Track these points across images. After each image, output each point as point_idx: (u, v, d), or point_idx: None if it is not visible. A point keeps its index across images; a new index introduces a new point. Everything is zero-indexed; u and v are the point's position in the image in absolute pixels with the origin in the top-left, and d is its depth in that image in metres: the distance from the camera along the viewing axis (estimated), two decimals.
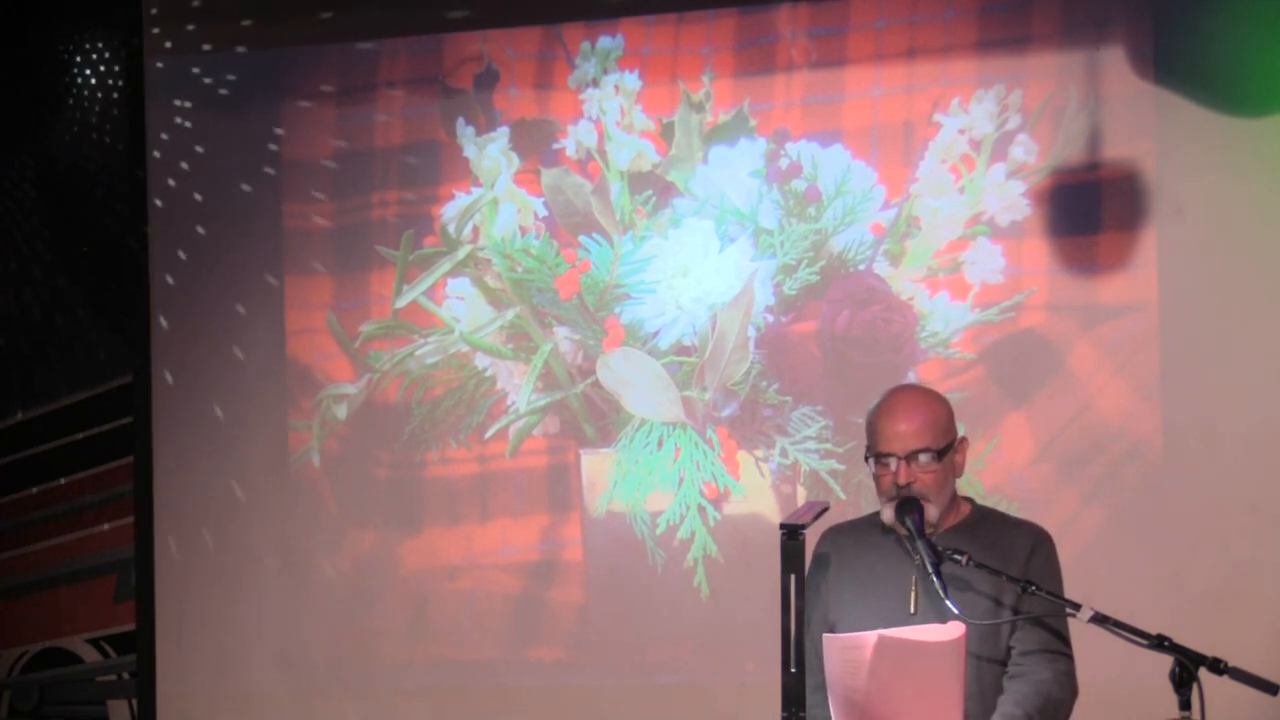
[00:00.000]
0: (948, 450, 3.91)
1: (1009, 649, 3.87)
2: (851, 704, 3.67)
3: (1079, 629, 3.80)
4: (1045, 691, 3.82)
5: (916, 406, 3.93)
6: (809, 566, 3.94)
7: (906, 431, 3.88)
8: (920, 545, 3.80)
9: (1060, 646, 3.88)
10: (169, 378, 6.45)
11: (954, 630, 3.65)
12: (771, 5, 5.90)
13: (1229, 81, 5.47)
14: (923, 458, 3.87)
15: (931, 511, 3.88)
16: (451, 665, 6.16)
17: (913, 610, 3.84)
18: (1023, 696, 3.81)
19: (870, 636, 3.62)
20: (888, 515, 3.90)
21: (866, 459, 3.95)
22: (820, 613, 3.96)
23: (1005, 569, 3.81)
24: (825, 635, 3.74)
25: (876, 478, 3.93)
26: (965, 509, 3.98)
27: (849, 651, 3.66)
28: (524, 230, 6.10)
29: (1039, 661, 3.85)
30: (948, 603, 3.71)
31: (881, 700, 3.63)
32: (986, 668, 3.84)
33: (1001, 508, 5.11)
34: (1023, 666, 3.85)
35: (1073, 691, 3.88)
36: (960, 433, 3.98)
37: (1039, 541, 3.95)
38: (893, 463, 3.88)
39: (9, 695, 6.71)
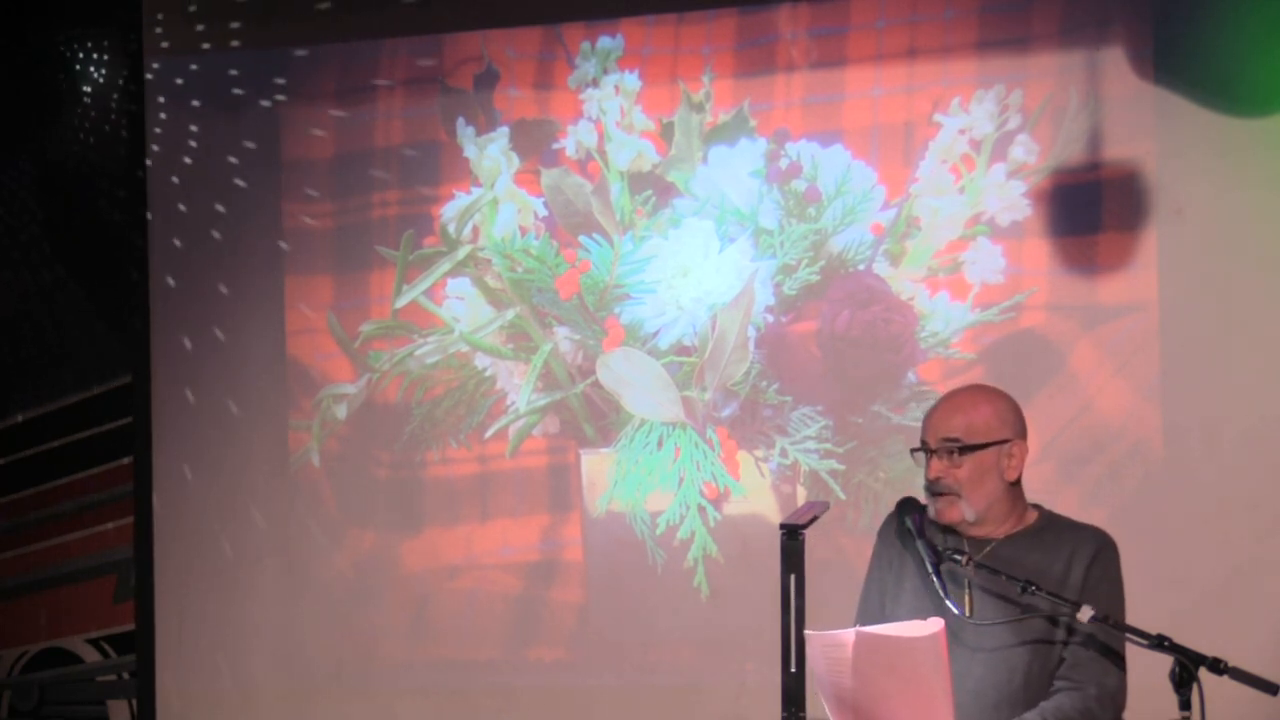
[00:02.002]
0: (981, 448, 3.85)
1: (1060, 660, 3.82)
2: (842, 702, 3.67)
3: None
4: (1082, 707, 3.77)
5: (958, 401, 3.92)
6: (883, 525, 4.00)
7: (935, 422, 3.89)
8: (920, 545, 3.81)
9: (1110, 662, 3.81)
10: (169, 377, 6.45)
11: (933, 625, 3.64)
12: (771, 5, 5.90)
13: (1229, 81, 5.47)
14: (948, 449, 3.85)
15: (965, 510, 3.85)
16: (451, 665, 6.16)
17: (968, 613, 3.80)
18: (1054, 705, 3.77)
19: (849, 634, 3.62)
20: (933, 510, 3.90)
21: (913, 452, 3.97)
22: (878, 585, 3.97)
23: (1067, 576, 3.79)
24: (806, 633, 3.70)
25: None
26: (1031, 516, 3.94)
27: (831, 650, 3.65)
28: (524, 230, 6.10)
29: (1086, 676, 3.79)
30: (948, 603, 3.71)
31: (869, 696, 3.62)
32: (1036, 662, 3.82)
33: None
34: (1068, 680, 3.80)
35: (1114, 710, 3.81)
36: (1018, 436, 3.91)
37: (1101, 548, 3.88)
38: (922, 456, 3.90)
39: (9, 695, 6.71)
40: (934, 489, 3.88)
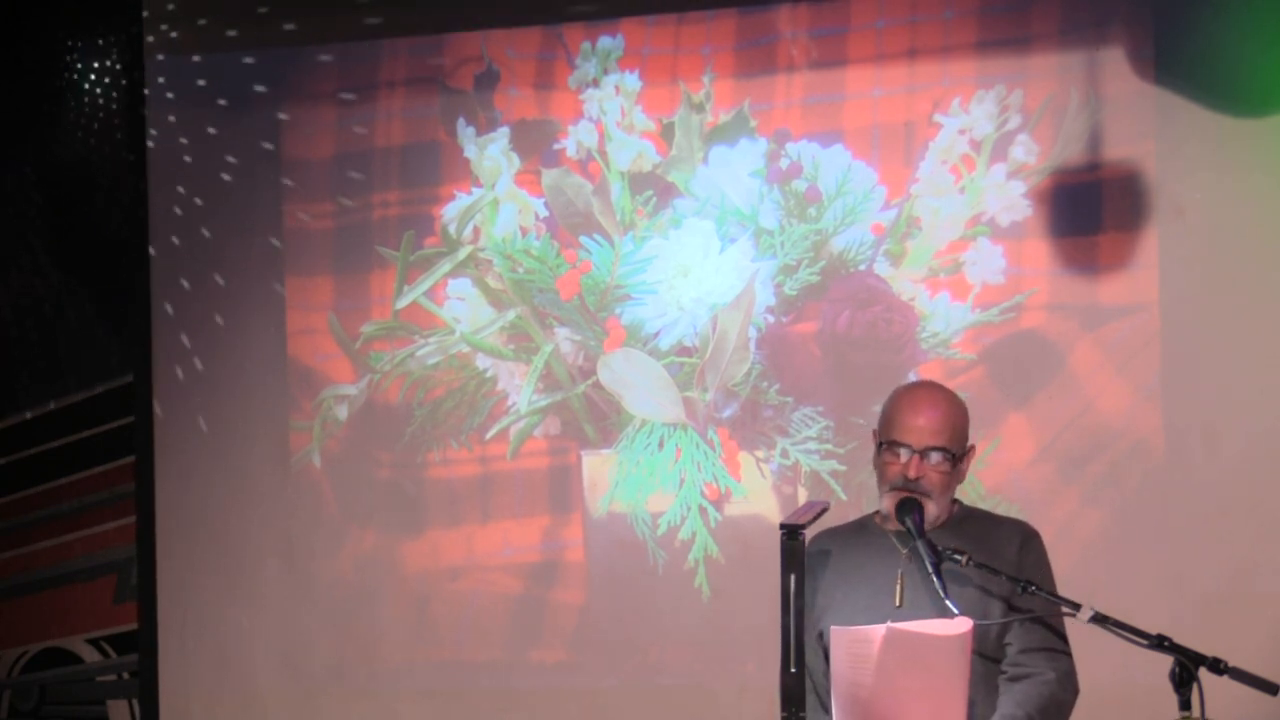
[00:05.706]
0: (962, 456, 3.91)
1: (1004, 646, 3.87)
2: (856, 700, 3.66)
3: (1079, 629, 3.80)
4: (1048, 693, 3.82)
5: (939, 405, 3.92)
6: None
7: (925, 427, 3.88)
8: (921, 545, 3.81)
9: (1060, 645, 3.89)
10: (170, 377, 6.45)
11: (962, 625, 3.65)
12: (771, 5, 5.90)
13: (1229, 81, 5.47)
14: (935, 456, 3.87)
15: (931, 510, 3.88)
16: (453, 666, 6.16)
17: (898, 603, 3.84)
18: (1025, 697, 3.81)
19: (879, 629, 3.62)
20: (887, 504, 3.91)
21: (879, 445, 3.94)
22: (810, 617, 3.95)
23: (996, 566, 3.82)
24: (832, 628, 3.72)
25: (883, 465, 3.92)
26: (953, 507, 3.98)
27: (856, 645, 3.65)
28: (524, 231, 6.10)
29: (1040, 661, 3.85)
30: (948, 603, 3.71)
31: (887, 695, 3.62)
32: (978, 663, 3.84)
33: (1002, 509, 5.15)
34: (1024, 667, 3.85)
35: (1074, 691, 3.88)
36: (971, 441, 3.97)
37: (1028, 538, 3.95)
38: (904, 454, 3.89)
39: (9, 695, 6.71)
40: (908, 488, 3.88)
